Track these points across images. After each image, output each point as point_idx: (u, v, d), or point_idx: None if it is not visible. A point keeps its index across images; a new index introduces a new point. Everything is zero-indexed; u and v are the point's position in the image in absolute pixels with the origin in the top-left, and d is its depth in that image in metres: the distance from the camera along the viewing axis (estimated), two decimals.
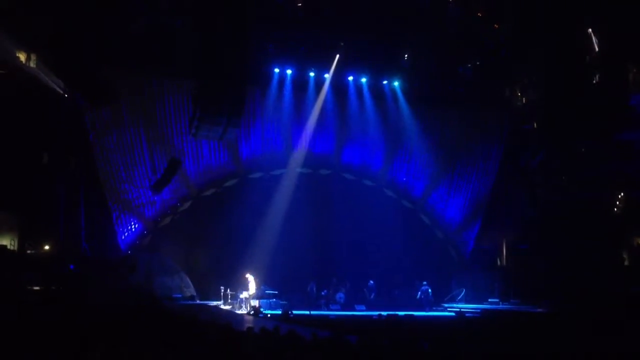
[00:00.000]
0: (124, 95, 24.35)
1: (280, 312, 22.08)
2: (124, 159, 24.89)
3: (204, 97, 21.03)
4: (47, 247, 23.60)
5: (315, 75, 27.01)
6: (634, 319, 18.05)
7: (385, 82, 27.77)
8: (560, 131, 27.05)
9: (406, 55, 26.97)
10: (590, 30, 25.60)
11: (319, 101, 27.25)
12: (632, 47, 24.81)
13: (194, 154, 26.50)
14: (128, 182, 25.14)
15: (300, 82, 26.94)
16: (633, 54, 25.16)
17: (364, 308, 25.30)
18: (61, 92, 22.76)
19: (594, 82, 26.13)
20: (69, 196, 22.99)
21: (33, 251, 23.31)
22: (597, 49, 25.69)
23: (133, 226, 25.94)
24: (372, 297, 26.77)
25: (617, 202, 27.28)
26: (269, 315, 21.48)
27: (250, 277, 23.60)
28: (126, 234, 25.59)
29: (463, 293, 28.21)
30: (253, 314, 21.77)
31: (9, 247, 22.65)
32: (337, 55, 26.07)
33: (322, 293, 26.15)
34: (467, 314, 22.85)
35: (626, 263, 26.74)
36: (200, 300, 25.25)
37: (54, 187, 22.83)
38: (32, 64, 22.40)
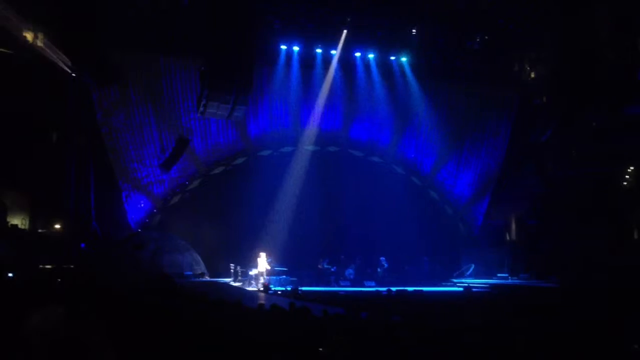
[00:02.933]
0: (132, 73, 24.33)
1: (290, 288, 22.17)
2: (132, 137, 24.94)
3: (212, 75, 21.02)
4: (57, 226, 23.78)
5: (322, 52, 26.84)
6: None
7: (393, 57, 27.59)
8: (570, 106, 26.87)
9: (414, 30, 26.71)
10: (598, 4, 25.30)
11: (327, 78, 27.11)
12: None
13: (202, 132, 26.53)
14: (137, 161, 25.21)
15: (307, 59, 26.76)
16: None
17: (374, 284, 25.36)
18: (69, 71, 22.78)
19: (603, 56, 25.87)
20: (79, 175, 23.11)
21: (44, 230, 23.50)
22: (605, 23, 25.39)
23: (142, 205, 26.07)
24: (381, 273, 26.81)
25: (627, 177, 27.16)
26: (279, 292, 21.57)
27: (262, 255, 23.66)
28: (136, 212, 25.72)
29: (472, 268, 28.28)
30: (263, 291, 21.88)
31: (20, 226, 22.84)
32: (345, 31, 25.85)
33: (332, 269, 26.24)
34: (475, 289, 22.86)
35: (635, 237, 26.69)
36: (211, 277, 25.40)
37: (64, 166, 22.94)
38: (39, 44, 22.38)
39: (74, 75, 22.89)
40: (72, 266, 20.41)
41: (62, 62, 22.64)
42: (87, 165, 23.47)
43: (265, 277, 23.39)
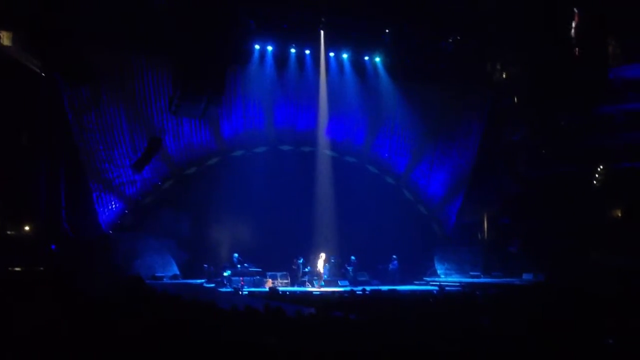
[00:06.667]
0: (103, 73, 24.03)
1: (264, 289, 22.18)
2: (103, 138, 24.61)
3: (185, 75, 20.91)
4: (27, 228, 23.44)
5: (296, 52, 26.77)
6: (616, 292, 18.24)
7: (366, 57, 27.64)
8: (541, 106, 27.15)
9: (387, 30, 26.77)
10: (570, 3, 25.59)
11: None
12: (612, 20, 24.87)
13: (174, 133, 26.29)
14: (108, 162, 24.90)
15: (281, 59, 26.67)
16: (612, 27, 25.23)
17: (347, 284, 25.41)
18: (38, 71, 22.45)
19: (574, 56, 26.16)
20: (49, 176, 22.80)
21: (13, 232, 23.14)
22: (577, 22, 25.69)
23: (113, 205, 25.79)
24: (354, 272, 26.82)
25: (597, 176, 27.48)
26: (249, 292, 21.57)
27: (322, 255, 24.82)
28: (107, 213, 25.44)
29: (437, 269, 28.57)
30: (235, 292, 21.85)
31: None
32: (322, 32, 25.85)
33: (306, 269, 26.23)
34: (447, 288, 22.99)
35: (606, 236, 26.96)
36: (184, 278, 25.25)
37: (34, 167, 22.62)
38: (6, 42, 22.00)
39: (43, 75, 22.57)
40: (42, 268, 20.15)
41: (32, 62, 22.30)
42: (58, 166, 23.15)
43: (322, 278, 24.19)
